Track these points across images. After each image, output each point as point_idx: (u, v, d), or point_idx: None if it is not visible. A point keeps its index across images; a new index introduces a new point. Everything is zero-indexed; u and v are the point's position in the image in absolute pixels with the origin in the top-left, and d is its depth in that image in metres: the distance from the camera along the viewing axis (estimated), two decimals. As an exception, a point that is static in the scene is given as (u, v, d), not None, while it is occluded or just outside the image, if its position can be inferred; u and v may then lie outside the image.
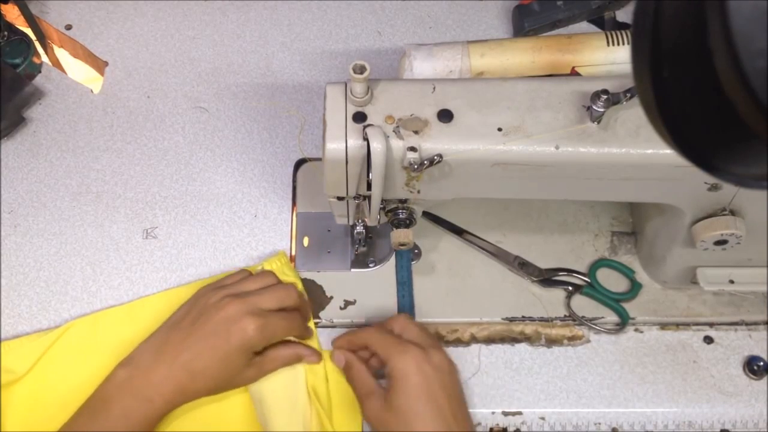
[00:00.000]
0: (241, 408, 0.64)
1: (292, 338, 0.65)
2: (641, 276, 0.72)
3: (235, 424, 0.63)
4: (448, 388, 0.58)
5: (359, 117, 0.55)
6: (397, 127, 0.55)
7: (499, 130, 0.55)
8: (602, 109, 0.54)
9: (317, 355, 0.64)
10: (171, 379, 0.58)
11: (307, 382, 0.64)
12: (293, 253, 0.73)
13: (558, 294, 0.71)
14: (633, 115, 0.55)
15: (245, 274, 0.67)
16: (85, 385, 0.60)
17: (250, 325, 0.59)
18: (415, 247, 0.73)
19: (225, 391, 0.62)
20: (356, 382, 0.61)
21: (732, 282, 0.67)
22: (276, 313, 0.62)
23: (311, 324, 0.68)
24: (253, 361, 0.61)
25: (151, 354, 0.60)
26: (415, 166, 0.54)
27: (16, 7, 0.82)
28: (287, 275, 0.69)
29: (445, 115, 0.55)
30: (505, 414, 0.66)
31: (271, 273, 0.67)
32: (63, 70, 0.85)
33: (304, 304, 0.67)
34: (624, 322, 0.69)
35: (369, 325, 0.66)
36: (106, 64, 0.84)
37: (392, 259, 0.72)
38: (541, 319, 0.70)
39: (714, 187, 0.57)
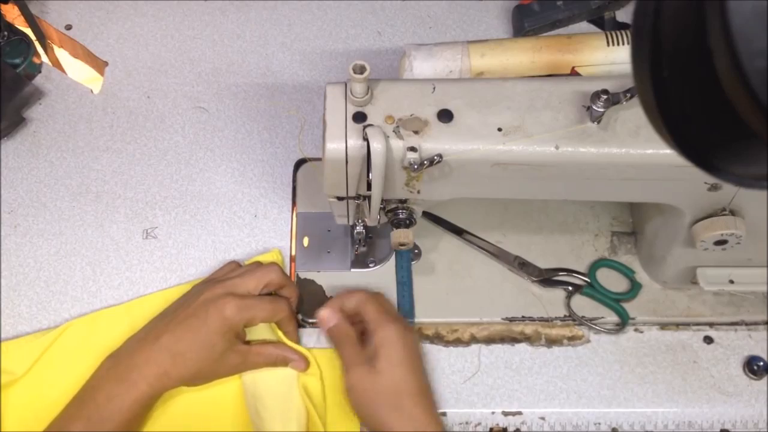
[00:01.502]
0: (231, 401, 0.64)
1: (283, 338, 0.65)
2: (641, 276, 0.72)
3: (224, 418, 0.63)
4: (421, 358, 0.63)
5: (359, 117, 0.55)
6: (397, 127, 0.55)
7: (499, 130, 0.55)
8: (602, 109, 0.54)
9: (304, 363, 0.64)
10: (153, 361, 0.59)
11: (298, 379, 0.64)
12: (293, 253, 0.73)
13: (558, 294, 0.71)
14: (633, 115, 0.55)
15: (234, 266, 0.68)
16: (84, 385, 0.61)
17: (227, 304, 0.60)
18: (415, 247, 0.73)
19: (210, 379, 0.63)
20: (347, 349, 0.62)
21: (732, 282, 0.67)
22: (258, 296, 0.63)
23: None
24: (237, 348, 0.62)
25: (135, 341, 0.61)
26: (415, 166, 0.54)
27: (16, 7, 0.82)
28: None
29: (445, 115, 0.55)
30: (505, 414, 0.66)
31: (256, 262, 0.68)
32: (63, 70, 0.85)
33: (290, 285, 0.66)
34: (624, 322, 0.69)
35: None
36: (106, 64, 0.84)
37: (392, 259, 0.72)
38: (541, 319, 0.70)
39: (714, 187, 0.57)
